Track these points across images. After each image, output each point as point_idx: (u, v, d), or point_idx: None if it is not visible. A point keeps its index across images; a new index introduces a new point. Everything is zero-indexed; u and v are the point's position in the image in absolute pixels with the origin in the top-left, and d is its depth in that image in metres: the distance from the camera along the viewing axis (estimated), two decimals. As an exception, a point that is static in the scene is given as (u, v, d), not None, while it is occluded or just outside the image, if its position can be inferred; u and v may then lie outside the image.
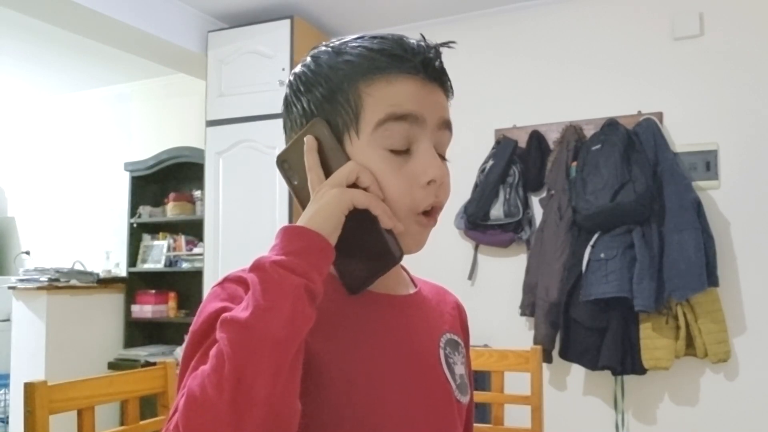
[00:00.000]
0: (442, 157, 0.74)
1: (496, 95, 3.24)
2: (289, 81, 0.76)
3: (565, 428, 2.92)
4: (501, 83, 3.24)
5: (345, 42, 0.73)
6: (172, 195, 3.96)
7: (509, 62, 3.24)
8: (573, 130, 2.96)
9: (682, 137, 2.84)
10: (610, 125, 2.84)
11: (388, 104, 0.69)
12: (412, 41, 0.72)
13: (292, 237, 0.63)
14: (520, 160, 3.08)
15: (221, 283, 0.68)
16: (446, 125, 0.74)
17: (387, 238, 0.68)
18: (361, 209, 0.67)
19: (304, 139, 0.71)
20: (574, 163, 2.86)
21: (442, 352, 0.78)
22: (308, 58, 0.75)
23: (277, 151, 0.76)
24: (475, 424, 1.69)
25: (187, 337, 0.65)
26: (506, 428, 1.68)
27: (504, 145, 3.10)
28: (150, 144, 4.26)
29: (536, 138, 3.07)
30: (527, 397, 1.65)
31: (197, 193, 3.89)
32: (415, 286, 0.83)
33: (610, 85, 3.00)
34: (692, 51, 2.87)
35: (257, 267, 0.60)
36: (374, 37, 0.72)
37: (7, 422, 3.86)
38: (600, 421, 2.92)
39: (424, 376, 0.74)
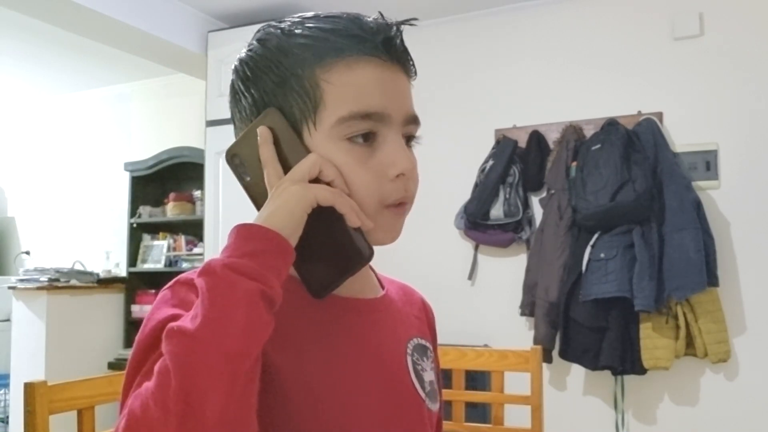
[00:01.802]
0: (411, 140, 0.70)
1: (496, 95, 3.24)
2: (235, 68, 0.69)
3: (565, 428, 2.92)
4: (501, 83, 3.24)
5: (295, 22, 0.67)
6: (172, 195, 3.96)
7: (509, 62, 3.24)
8: (573, 130, 2.96)
9: (682, 137, 2.84)
10: (610, 125, 2.84)
11: (351, 97, 0.63)
12: (369, 19, 0.66)
13: (247, 237, 0.57)
14: (520, 160, 3.08)
15: (171, 286, 0.62)
16: (413, 120, 0.68)
17: (354, 237, 0.63)
18: (326, 207, 0.61)
19: (257, 130, 0.64)
20: (574, 163, 2.86)
21: (409, 359, 0.74)
22: (254, 42, 0.68)
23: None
24: (475, 424, 1.70)
25: (132, 348, 0.59)
26: (506, 428, 1.68)
27: (504, 145, 3.10)
28: (150, 144, 4.26)
29: (536, 138, 3.07)
30: (527, 397, 1.65)
31: (197, 193, 3.89)
32: (383, 287, 0.78)
33: (610, 85, 3.00)
34: (692, 51, 2.87)
35: (207, 271, 0.54)
36: (328, 17, 0.66)
37: (7, 422, 3.86)
38: (600, 421, 2.92)
39: (392, 387, 0.70)
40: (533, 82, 3.17)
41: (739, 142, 2.77)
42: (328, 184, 0.63)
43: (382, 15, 0.67)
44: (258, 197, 0.66)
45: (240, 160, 0.67)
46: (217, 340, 0.50)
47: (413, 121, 0.69)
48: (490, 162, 3.09)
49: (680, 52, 2.89)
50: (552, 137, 3.06)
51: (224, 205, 3.28)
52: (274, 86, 0.65)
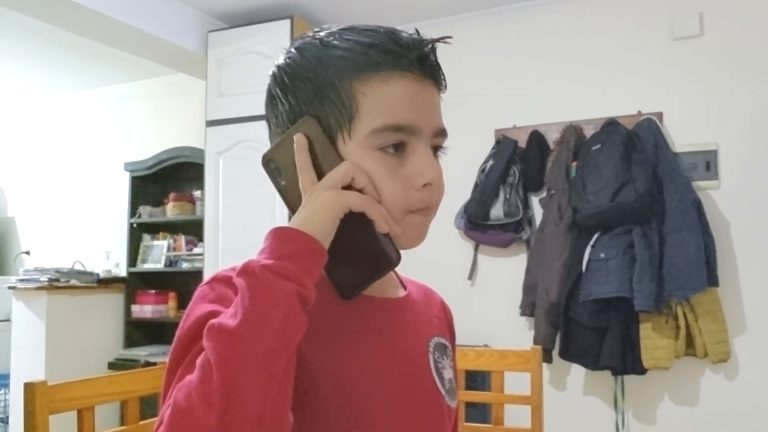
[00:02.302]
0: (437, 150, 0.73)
1: (496, 95, 3.24)
2: (273, 74, 0.72)
3: (565, 428, 2.92)
4: (501, 83, 3.24)
5: (333, 33, 0.69)
6: (172, 195, 3.96)
7: (509, 62, 3.24)
8: (573, 130, 2.96)
9: (682, 137, 2.84)
10: (610, 125, 2.84)
11: (385, 109, 0.66)
12: (405, 35, 0.69)
13: (284, 240, 0.60)
14: (520, 160, 3.08)
15: (209, 283, 0.66)
16: (441, 133, 0.72)
17: (383, 242, 0.66)
18: (357, 212, 0.64)
19: (294, 137, 0.67)
20: (574, 163, 2.86)
21: (431, 357, 0.77)
22: (293, 50, 0.71)
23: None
24: (475, 424, 1.70)
25: (173, 342, 0.62)
26: (506, 428, 1.68)
27: (504, 145, 3.10)
28: (150, 144, 4.26)
29: (536, 138, 3.07)
30: (527, 397, 1.65)
31: (197, 193, 3.89)
32: (404, 288, 0.81)
33: (610, 85, 3.00)
34: (692, 51, 2.87)
35: (246, 271, 0.57)
36: (365, 30, 0.69)
37: (7, 422, 3.86)
38: (600, 421, 2.92)
39: (414, 383, 0.73)
40: (533, 82, 3.17)
41: (739, 142, 2.77)
42: (359, 191, 0.66)
43: (417, 31, 0.70)
44: (292, 200, 0.70)
45: (275, 165, 0.70)
46: (257, 338, 0.53)
47: (441, 133, 0.72)
48: (490, 162, 3.09)
49: (680, 52, 2.89)
50: (552, 137, 3.06)
51: (224, 205, 3.28)
52: (311, 95, 0.68)
